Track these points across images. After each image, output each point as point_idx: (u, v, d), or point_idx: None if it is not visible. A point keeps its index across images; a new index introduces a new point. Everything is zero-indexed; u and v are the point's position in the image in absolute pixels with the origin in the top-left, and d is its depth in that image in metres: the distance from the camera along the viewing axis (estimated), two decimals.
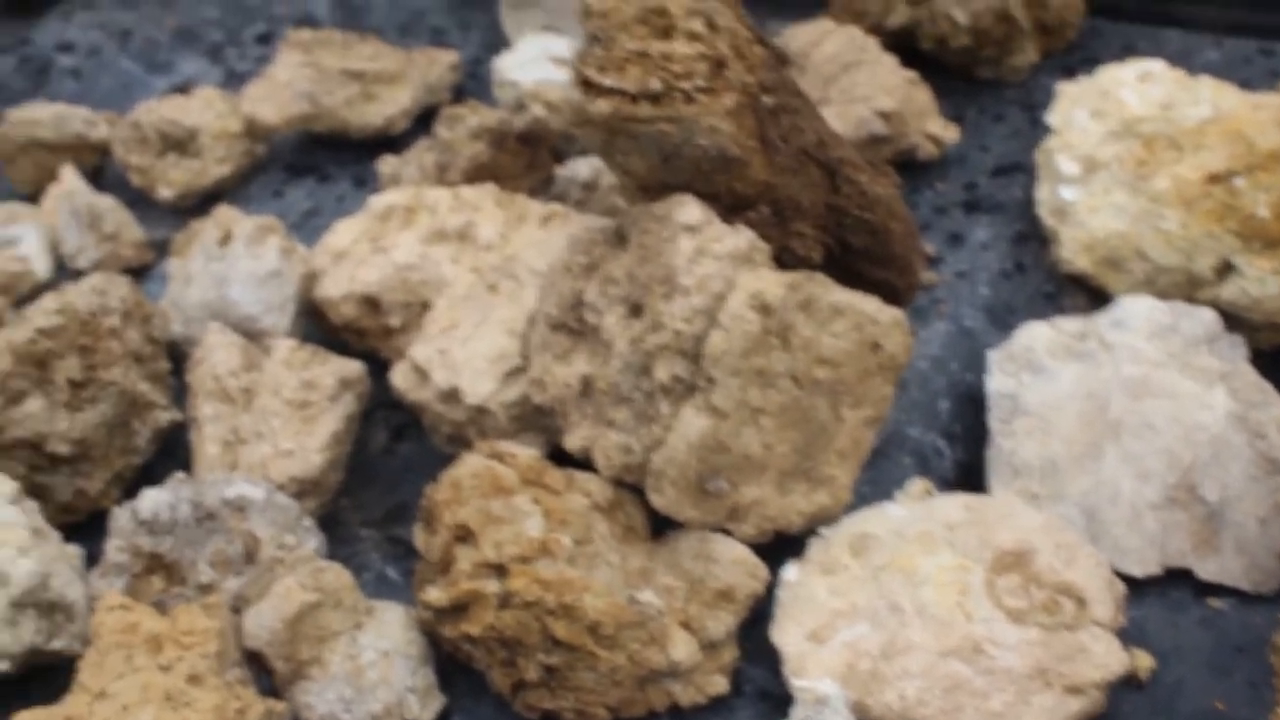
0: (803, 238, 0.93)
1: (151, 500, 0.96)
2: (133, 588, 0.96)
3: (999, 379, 1.01)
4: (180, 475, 0.98)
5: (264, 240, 1.13)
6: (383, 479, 1.08)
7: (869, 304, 0.89)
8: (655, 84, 0.86)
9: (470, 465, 0.90)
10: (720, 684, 0.89)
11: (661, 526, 0.92)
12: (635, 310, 0.89)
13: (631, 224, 0.92)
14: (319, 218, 1.31)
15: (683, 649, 0.86)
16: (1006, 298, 1.14)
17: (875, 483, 0.99)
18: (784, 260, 0.92)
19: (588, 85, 0.88)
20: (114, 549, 0.96)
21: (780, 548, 0.91)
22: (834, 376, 0.89)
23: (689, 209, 0.89)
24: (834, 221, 0.95)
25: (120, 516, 0.97)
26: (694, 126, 0.86)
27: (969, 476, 1.01)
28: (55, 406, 1.02)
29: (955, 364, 1.09)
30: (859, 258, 0.97)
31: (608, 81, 0.88)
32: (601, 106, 0.88)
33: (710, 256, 0.87)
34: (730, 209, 0.90)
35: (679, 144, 0.87)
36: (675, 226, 0.88)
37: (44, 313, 1.04)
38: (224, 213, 1.18)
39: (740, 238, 0.88)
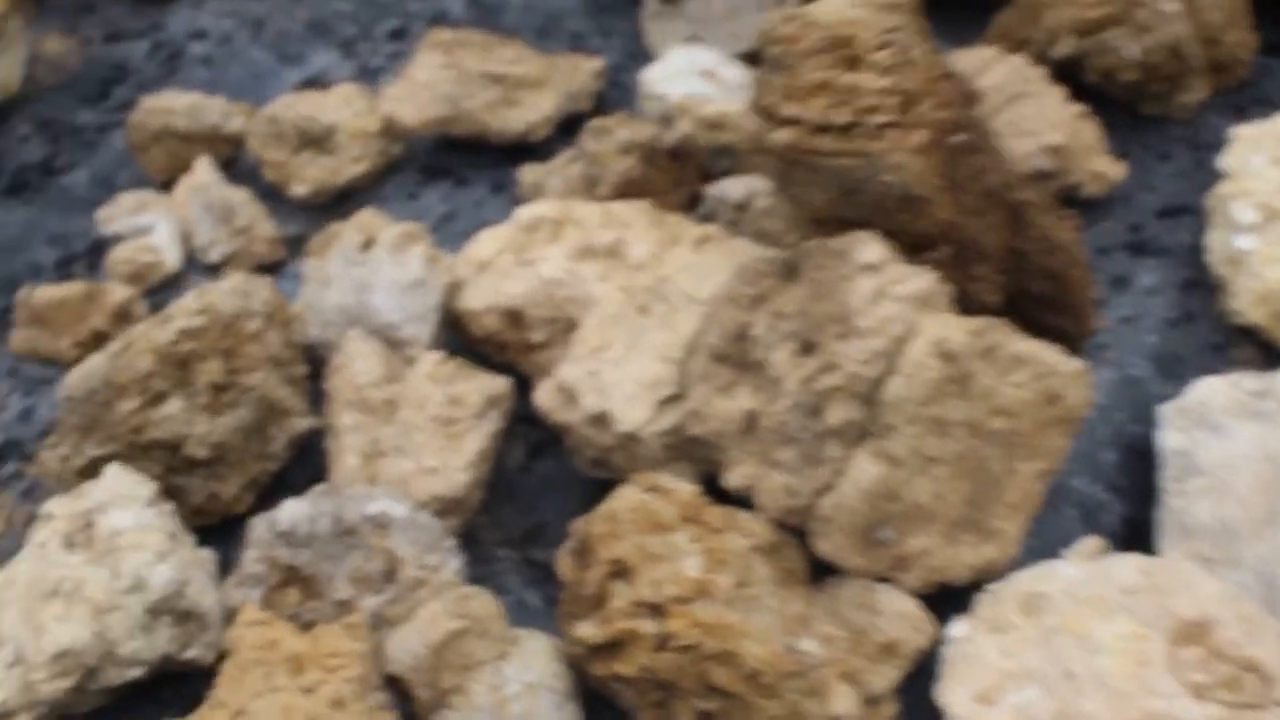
0: (983, 281, 0.90)
1: (290, 512, 0.94)
2: (268, 599, 0.94)
3: (1172, 435, 0.97)
4: (321, 487, 0.96)
5: (407, 248, 1.10)
6: (520, 497, 1.05)
7: (1050, 354, 0.85)
8: (840, 116, 0.84)
9: (627, 499, 0.87)
10: None
11: (818, 572, 0.89)
12: (807, 348, 0.86)
13: (805, 258, 0.89)
14: (456, 222, 1.28)
15: (844, 702, 0.83)
16: (1174, 347, 1.09)
17: (1039, 535, 0.95)
18: (962, 304, 0.88)
19: (768, 113, 0.86)
20: (250, 559, 0.94)
21: (941, 600, 0.88)
22: (1010, 427, 0.85)
23: (870, 247, 0.85)
24: (1015, 265, 0.91)
25: (258, 527, 0.95)
26: (879, 163, 0.83)
27: (1135, 532, 0.97)
28: (195, 409, 1.00)
29: (1121, 414, 1.05)
30: (1036, 303, 0.93)
31: (789, 111, 0.85)
32: (782, 136, 0.85)
33: (891, 298, 0.84)
34: (910, 248, 0.87)
35: (862, 179, 0.84)
36: (854, 264, 0.85)
37: (186, 313, 1.02)
38: (365, 216, 1.15)
39: (922, 279, 0.85)
